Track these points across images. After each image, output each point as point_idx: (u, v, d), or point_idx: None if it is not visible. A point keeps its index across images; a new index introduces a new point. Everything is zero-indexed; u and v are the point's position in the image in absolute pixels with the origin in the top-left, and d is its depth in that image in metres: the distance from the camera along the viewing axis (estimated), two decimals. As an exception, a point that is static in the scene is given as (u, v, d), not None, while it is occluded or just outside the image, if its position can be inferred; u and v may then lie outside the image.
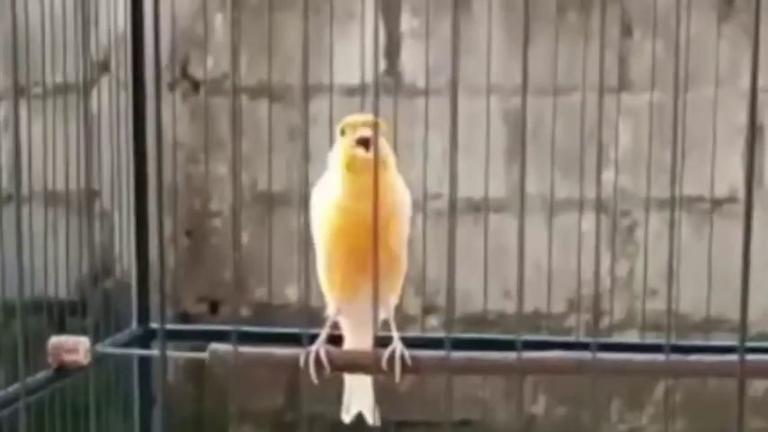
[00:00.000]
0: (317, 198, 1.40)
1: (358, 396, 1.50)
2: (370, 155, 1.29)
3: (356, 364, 1.37)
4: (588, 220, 2.08)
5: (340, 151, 1.35)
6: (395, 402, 1.53)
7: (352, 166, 1.33)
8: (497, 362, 1.32)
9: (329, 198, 1.36)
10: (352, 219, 1.32)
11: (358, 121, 1.35)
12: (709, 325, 2.05)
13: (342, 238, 1.34)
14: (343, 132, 1.35)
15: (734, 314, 2.12)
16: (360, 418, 1.52)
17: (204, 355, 1.39)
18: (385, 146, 1.35)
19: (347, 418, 1.51)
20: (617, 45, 2.21)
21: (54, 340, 1.66)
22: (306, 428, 1.68)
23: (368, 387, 1.49)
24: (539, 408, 2.32)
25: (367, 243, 1.32)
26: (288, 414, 2.40)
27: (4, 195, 1.80)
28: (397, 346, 1.34)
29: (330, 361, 1.34)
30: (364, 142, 1.32)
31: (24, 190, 1.74)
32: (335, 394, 1.49)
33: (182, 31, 2.28)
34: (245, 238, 2.34)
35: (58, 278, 1.81)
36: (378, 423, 1.51)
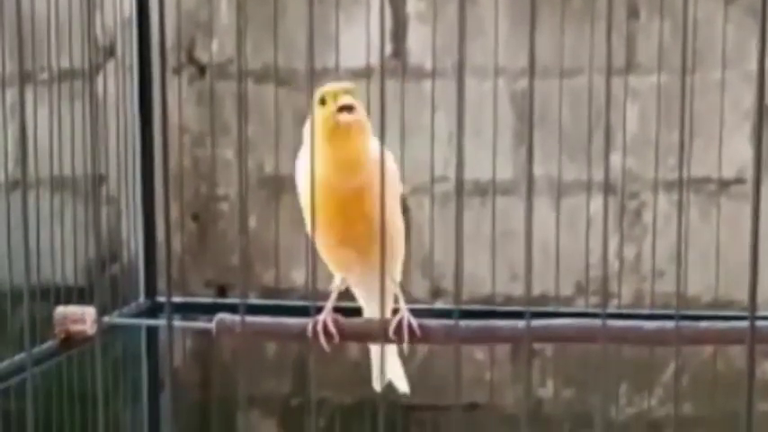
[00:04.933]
0: (298, 172, 1.39)
1: (386, 365, 1.49)
2: (356, 117, 1.29)
3: (364, 333, 1.37)
4: (596, 203, 2.08)
5: (320, 120, 1.30)
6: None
7: (336, 132, 1.30)
8: (506, 330, 1.32)
9: (306, 170, 1.33)
10: (330, 190, 1.31)
11: (337, 89, 1.33)
12: (717, 306, 2.04)
13: (321, 210, 1.29)
14: (323, 101, 1.32)
15: (742, 295, 2.12)
16: (365, 403, 1.51)
17: (211, 325, 1.39)
18: (364, 113, 1.34)
19: (378, 386, 1.50)
20: (623, 27, 2.20)
21: (60, 310, 1.66)
22: (314, 413, 1.68)
23: (394, 356, 1.49)
24: (547, 391, 2.32)
25: (347, 214, 1.32)
26: (295, 399, 2.40)
27: (11, 181, 1.80)
28: (405, 314, 1.34)
29: (338, 330, 1.35)
30: (347, 109, 1.31)
31: (31, 176, 1.74)
32: (341, 379, 1.49)
33: (187, 15, 2.27)
34: (252, 222, 2.34)
35: (65, 264, 1.81)
36: (408, 390, 1.50)
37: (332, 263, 1.40)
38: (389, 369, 1.49)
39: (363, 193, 1.30)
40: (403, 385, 1.50)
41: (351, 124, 1.30)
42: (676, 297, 1.70)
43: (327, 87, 1.33)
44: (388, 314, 1.39)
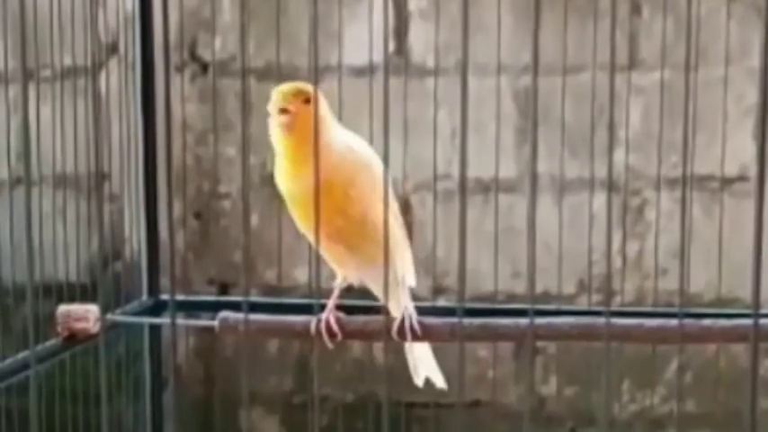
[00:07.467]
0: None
1: (421, 362, 1.50)
2: (284, 120, 1.30)
3: (367, 331, 1.37)
4: (599, 200, 2.08)
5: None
6: (404, 383, 1.53)
7: (277, 140, 1.35)
8: (509, 327, 1.32)
9: (277, 174, 1.37)
10: (296, 189, 1.32)
11: (278, 92, 1.36)
12: (720, 304, 2.04)
13: (295, 208, 1.35)
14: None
15: (745, 293, 2.12)
16: (367, 401, 1.51)
17: (214, 323, 1.39)
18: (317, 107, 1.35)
19: (419, 381, 1.51)
20: (626, 24, 2.20)
21: (63, 308, 1.65)
22: (317, 410, 1.67)
23: (428, 352, 1.49)
24: (549, 389, 2.32)
25: (322, 209, 1.31)
26: (297, 396, 2.40)
27: (14, 178, 1.80)
28: (407, 312, 1.34)
29: (341, 327, 1.35)
30: (284, 112, 1.32)
31: (34, 173, 1.74)
32: (343, 377, 1.48)
33: (190, 12, 2.27)
34: (254, 220, 2.34)
35: (68, 261, 1.81)
36: (445, 386, 1.50)
37: (329, 260, 1.40)
38: (424, 365, 1.49)
39: (328, 187, 1.28)
40: (439, 380, 1.50)
41: (285, 125, 1.33)
42: (679, 295, 1.70)
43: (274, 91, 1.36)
44: (398, 310, 1.38)
